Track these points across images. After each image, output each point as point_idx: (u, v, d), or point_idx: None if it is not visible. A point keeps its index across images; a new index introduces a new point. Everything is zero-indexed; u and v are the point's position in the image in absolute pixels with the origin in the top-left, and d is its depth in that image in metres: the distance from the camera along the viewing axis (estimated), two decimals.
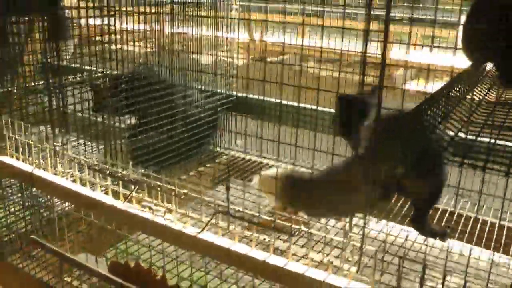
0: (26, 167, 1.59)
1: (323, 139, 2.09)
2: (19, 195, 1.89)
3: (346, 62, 2.52)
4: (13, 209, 1.88)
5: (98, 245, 1.68)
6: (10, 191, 1.91)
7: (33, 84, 1.82)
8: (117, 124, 2.04)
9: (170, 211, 1.29)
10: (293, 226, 1.17)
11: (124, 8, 2.02)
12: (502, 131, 1.08)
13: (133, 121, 2.18)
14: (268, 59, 2.16)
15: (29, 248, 1.86)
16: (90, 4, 1.89)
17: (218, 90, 2.47)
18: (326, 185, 1.60)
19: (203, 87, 2.41)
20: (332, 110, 1.76)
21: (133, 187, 1.37)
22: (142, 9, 2.13)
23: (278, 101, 2.21)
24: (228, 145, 2.50)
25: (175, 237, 1.27)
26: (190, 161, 2.32)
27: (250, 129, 2.35)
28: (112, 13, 1.93)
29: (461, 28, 1.87)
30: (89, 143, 2.14)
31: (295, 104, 2.11)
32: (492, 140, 1.03)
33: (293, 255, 1.18)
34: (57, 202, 1.94)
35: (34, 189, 1.89)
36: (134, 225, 1.35)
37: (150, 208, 1.31)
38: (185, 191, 1.30)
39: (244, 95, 2.46)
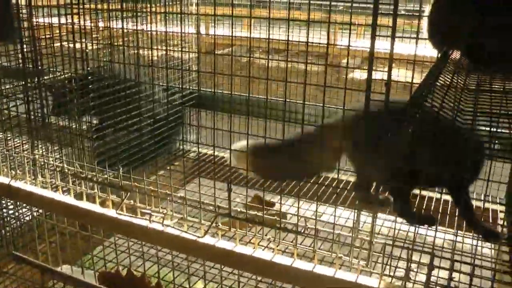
0: (2, 179, 1.51)
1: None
2: None
3: (292, 52, 2.54)
4: None
5: (71, 254, 1.61)
6: None
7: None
8: (79, 126, 1.97)
9: (167, 216, 1.26)
10: (299, 224, 1.16)
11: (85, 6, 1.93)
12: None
13: (95, 122, 2.10)
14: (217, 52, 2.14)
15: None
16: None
17: (178, 86, 2.41)
18: (289, 150, 1.76)
19: (162, 83, 2.34)
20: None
21: (123, 194, 1.32)
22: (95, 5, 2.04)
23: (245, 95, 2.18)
24: (195, 141, 2.45)
25: (174, 243, 1.24)
26: (158, 160, 2.26)
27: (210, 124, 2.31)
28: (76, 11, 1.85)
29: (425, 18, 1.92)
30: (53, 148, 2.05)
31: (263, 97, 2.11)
32: None
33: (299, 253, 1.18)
34: (25, 211, 1.87)
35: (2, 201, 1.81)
36: (130, 233, 1.30)
37: (146, 214, 1.26)
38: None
39: (208, 90, 2.42)
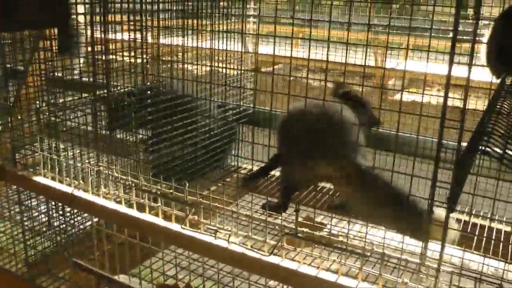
0: (65, 188, 1.55)
1: None
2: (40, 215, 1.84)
3: (338, 72, 2.55)
4: (38, 229, 1.84)
5: (128, 263, 1.64)
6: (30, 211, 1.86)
7: (62, 100, 1.77)
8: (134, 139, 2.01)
9: (233, 233, 1.27)
10: (366, 247, 1.16)
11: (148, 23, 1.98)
12: None
13: (149, 135, 2.14)
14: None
15: (56, 269, 1.81)
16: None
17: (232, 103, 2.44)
18: None
19: (218, 100, 2.37)
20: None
21: (187, 209, 1.34)
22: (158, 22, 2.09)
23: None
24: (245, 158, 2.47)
25: (239, 261, 1.25)
26: (209, 175, 2.28)
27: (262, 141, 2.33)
28: (132, 27, 1.90)
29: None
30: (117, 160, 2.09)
31: None
32: None
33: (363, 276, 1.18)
34: (80, 219, 1.90)
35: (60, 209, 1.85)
36: (193, 248, 1.32)
37: (212, 230, 1.28)
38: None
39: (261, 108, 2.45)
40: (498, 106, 1.48)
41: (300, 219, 1.25)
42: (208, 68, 2.24)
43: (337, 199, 1.95)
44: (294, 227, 1.24)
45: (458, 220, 1.77)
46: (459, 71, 1.12)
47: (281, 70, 2.28)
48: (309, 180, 1.86)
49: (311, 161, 1.70)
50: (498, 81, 1.76)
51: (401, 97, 1.35)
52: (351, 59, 2.29)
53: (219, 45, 2.12)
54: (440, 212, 1.51)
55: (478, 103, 2.16)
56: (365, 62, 1.31)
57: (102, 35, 1.62)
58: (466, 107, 1.02)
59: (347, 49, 1.38)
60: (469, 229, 1.73)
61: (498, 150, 1.08)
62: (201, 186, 1.61)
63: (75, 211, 1.85)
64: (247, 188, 2.05)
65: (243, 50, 2.39)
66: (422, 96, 1.27)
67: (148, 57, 1.99)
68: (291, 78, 1.49)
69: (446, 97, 1.04)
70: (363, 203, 1.70)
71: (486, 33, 1.89)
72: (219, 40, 2.14)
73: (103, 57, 1.59)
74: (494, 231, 1.75)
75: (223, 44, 2.16)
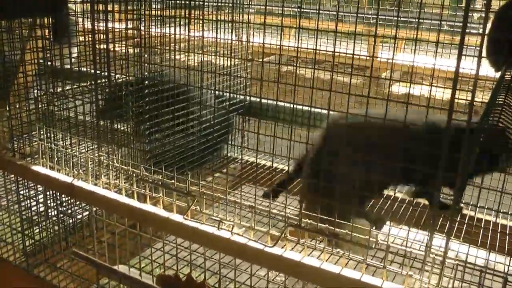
0: (64, 177, 1.53)
1: None
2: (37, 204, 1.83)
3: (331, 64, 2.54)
4: (36, 219, 1.83)
5: (127, 253, 1.63)
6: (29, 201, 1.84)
7: (60, 89, 1.75)
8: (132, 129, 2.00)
9: (236, 224, 1.27)
10: (371, 239, 1.16)
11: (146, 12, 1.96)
12: None
13: (147, 125, 2.13)
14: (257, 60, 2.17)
15: (54, 259, 1.80)
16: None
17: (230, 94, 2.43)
18: None
19: (216, 91, 2.36)
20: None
21: (190, 199, 1.33)
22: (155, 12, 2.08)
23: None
24: (241, 150, 2.47)
25: (242, 252, 1.24)
26: (205, 166, 2.28)
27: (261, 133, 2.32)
28: (130, 16, 1.88)
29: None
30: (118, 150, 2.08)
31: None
32: None
33: (368, 267, 1.18)
34: (78, 209, 1.89)
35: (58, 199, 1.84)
36: (196, 239, 1.32)
37: (215, 221, 1.28)
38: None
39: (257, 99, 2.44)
40: (500, 100, 1.48)
41: None
42: (206, 58, 2.23)
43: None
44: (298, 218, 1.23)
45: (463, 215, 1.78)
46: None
47: (273, 62, 2.27)
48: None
49: None
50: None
51: (407, 91, 1.34)
52: (348, 51, 2.28)
53: (219, 35, 2.12)
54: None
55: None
56: (352, 53, 1.30)
57: (103, 24, 1.60)
58: (474, 101, 1.02)
59: (335, 39, 1.37)
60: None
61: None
62: (200, 176, 1.61)
63: (73, 200, 1.84)
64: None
65: (245, 40, 2.38)
66: (431, 90, 1.26)
67: (146, 47, 1.98)
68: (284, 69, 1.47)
69: (454, 89, 1.03)
70: None
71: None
72: (216, 31, 2.14)
73: (103, 47, 1.57)
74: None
75: (220, 34, 2.16)
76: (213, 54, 2.19)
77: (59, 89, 1.78)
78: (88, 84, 1.77)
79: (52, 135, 1.72)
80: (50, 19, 1.83)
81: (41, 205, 1.82)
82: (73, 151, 1.55)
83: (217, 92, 2.37)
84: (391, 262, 1.20)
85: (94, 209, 1.61)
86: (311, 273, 1.19)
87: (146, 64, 2.02)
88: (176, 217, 1.33)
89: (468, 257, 1.22)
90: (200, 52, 2.04)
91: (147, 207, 1.38)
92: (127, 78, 1.94)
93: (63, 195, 1.79)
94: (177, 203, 1.36)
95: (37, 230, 1.82)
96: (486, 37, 1.86)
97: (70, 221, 1.85)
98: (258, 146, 1.89)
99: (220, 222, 1.26)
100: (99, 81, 1.69)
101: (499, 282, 1.08)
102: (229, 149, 2.46)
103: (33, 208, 1.82)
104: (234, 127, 2.45)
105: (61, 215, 1.82)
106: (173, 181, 1.37)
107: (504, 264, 1.21)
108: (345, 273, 1.16)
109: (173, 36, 1.92)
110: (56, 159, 1.58)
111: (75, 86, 1.78)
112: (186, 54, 1.85)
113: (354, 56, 1.71)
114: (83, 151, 1.70)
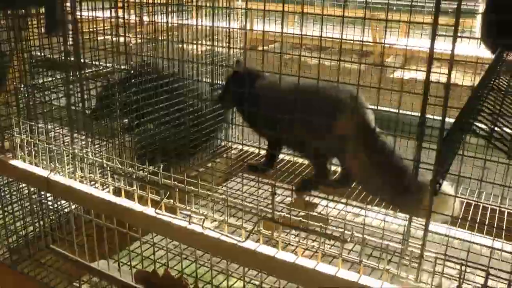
0: (41, 171, 1.50)
1: None
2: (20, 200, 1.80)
3: (334, 50, 2.48)
4: (20, 215, 1.79)
5: (108, 249, 1.59)
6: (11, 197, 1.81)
7: (42, 81, 1.71)
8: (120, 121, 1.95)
9: (208, 218, 1.21)
10: (346, 232, 1.10)
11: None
12: None
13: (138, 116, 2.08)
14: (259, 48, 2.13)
15: (37, 256, 1.76)
16: None
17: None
18: None
19: (206, 79, 2.30)
20: None
21: (163, 192, 1.28)
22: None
23: None
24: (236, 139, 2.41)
25: (214, 246, 1.19)
26: (198, 156, 2.23)
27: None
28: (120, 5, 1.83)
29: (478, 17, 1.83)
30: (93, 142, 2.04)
31: None
32: None
33: (344, 261, 1.12)
34: (64, 203, 1.86)
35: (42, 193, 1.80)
36: (168, 233, 1.27)
37: (186, 215, 1.23)
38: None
39: None
40: (492, 83, 1.41)
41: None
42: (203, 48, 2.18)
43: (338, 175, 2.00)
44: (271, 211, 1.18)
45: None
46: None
47: (277, 50, 2.21)
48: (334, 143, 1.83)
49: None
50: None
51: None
52: (349, 36, 2.22)
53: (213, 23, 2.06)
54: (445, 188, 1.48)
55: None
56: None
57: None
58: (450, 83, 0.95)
59: (342, 25, 1.31)
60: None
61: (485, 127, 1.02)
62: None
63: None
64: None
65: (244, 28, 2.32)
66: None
67: (142, 36, 1.93)
68: (287, 57, 1.42)
69: (428, 72, 0.97)
70: (370, 170, 1.73)
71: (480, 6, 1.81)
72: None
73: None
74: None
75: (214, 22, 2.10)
76: (208, 44, 2.13)
77: (40, 81, 1.74)
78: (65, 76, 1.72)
79: (33, 129, 1.68)
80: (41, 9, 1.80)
81: (24, 201, 1.79)
82: (50, 144, 1.51)
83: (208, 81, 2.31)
84: (368, 257, 1.15)
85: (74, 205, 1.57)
86: (285, 268, 1.13)
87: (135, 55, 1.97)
88: (149, 211, 1.29)
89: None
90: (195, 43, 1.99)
91: (121, 201, 1.34)
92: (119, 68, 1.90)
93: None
94: (151, 196, 1.31)
95: (21, 226, 1.79)
96: (481, 19, 1.80)
97: (54, 217, 1.81)
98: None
99: (190, 216, 1.21)
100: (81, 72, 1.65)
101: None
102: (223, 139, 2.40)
103: (17, 203, 1.79)
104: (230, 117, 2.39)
105: (45, 211, 1.78)
106: (146, 173, 1.32)
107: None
108: (320, 269, 1.11)
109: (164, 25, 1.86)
110: (33, 153, 1.54)
111: (55, 78, 1.73)
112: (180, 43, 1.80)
113: (358, 42, 1.65)
114: (62, 144, 1.65)
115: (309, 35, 1.50)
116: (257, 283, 1.35)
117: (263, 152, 2.21)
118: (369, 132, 1.73)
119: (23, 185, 1.79)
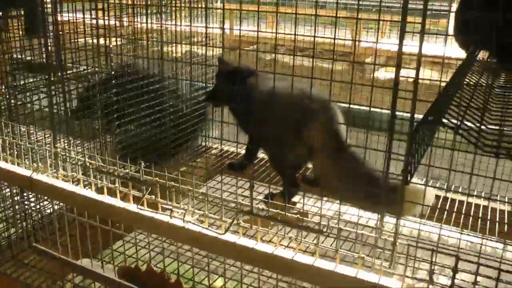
0: (23, 171, 1.51)
1: None
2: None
3: (315, 51, 2.53)
4: (3, 217, 1.81)
5: (92, 247, 1.61)
6: None
7: (22, 82, 1.73)
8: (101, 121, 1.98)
9: (188, 212, 1.25)
10: (322, 222, 1.14)
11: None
12: None
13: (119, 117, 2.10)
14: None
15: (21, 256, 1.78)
16: None
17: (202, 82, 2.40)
18: None
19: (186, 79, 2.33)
20: None
21: (144, 189, 1.31)
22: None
23: None
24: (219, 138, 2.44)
25: (195, 240, 1.23)
26: (180, 155, 2.26)
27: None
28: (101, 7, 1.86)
29: (451, 15, 1.89)
30: (75, 141, 2.05)
31: None
32: None
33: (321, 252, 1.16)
34: (47, 204, 1.87)
35: (24, 194, 1.82)
36: (151, 228, 1.30)
37: (167, 210, 1.26)
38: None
39: None
40: (466, 80, 1.46)
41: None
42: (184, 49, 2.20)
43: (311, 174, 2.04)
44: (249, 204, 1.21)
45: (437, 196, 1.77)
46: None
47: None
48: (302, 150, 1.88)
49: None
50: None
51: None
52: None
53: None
54: (415, 186, 1.52)
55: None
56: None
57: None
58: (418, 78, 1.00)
59: (315, 24, 1.35)
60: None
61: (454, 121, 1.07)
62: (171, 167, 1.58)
63: (40, 196, 1.82)
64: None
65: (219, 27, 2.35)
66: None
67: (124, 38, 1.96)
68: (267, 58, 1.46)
69: (398, 69, 1.02)
70: (337, 176, 1.77)
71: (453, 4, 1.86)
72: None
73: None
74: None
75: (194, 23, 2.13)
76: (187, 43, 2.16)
77: (22, 82, 1.76)
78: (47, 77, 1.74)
79: (15, 129, 1.69)
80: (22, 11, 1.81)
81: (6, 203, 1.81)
82: (32, 144, 1.53)
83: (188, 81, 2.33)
84: (343, 242, 1.19)
85: (58, 203, 1.59)
86: (264, 259, 1.17)
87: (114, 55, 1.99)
88: (131, 207, 1.31)
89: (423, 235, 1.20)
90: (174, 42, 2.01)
91: (103, 198, 1.36)
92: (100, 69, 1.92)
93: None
94: (133, 193, 1.34)
95: (4, 227, 1.80)
96: (454, 17, 1.85)
97: (38, 217, 1.83)
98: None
99: (171, 210, 1.24)
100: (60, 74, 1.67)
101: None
102: (205, 138, 2.43)
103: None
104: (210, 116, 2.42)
105: (28, 211, 1.80)
106: (127, 170, 1.35)
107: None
108: (297, 259, 1.15)
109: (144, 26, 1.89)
110: (15, 153, 1.56)
111: (36, 79, 1.75)
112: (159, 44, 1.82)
113: (337, 42, 1.69)
114: (44, 144, 1.67)
115: (282, 33, 1.52)
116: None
117: (242, 151, 2.25)
118: (339, 142, 1.78)
119: (5, 186, 1.80)
